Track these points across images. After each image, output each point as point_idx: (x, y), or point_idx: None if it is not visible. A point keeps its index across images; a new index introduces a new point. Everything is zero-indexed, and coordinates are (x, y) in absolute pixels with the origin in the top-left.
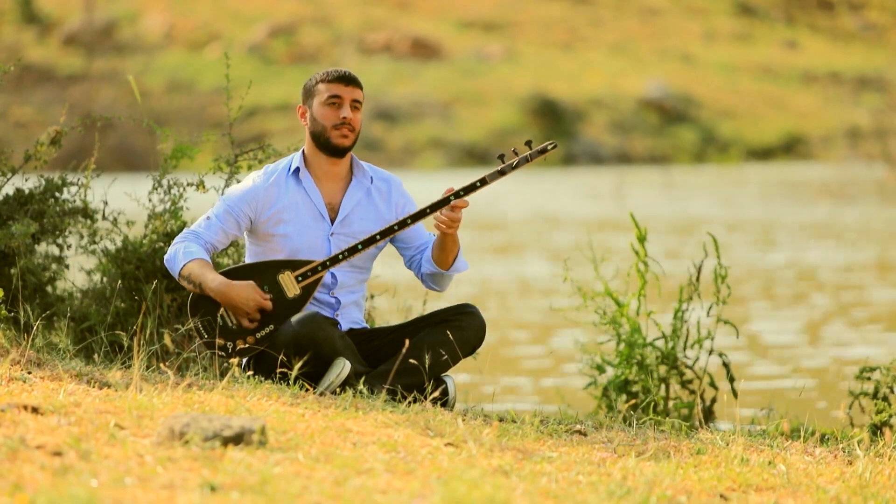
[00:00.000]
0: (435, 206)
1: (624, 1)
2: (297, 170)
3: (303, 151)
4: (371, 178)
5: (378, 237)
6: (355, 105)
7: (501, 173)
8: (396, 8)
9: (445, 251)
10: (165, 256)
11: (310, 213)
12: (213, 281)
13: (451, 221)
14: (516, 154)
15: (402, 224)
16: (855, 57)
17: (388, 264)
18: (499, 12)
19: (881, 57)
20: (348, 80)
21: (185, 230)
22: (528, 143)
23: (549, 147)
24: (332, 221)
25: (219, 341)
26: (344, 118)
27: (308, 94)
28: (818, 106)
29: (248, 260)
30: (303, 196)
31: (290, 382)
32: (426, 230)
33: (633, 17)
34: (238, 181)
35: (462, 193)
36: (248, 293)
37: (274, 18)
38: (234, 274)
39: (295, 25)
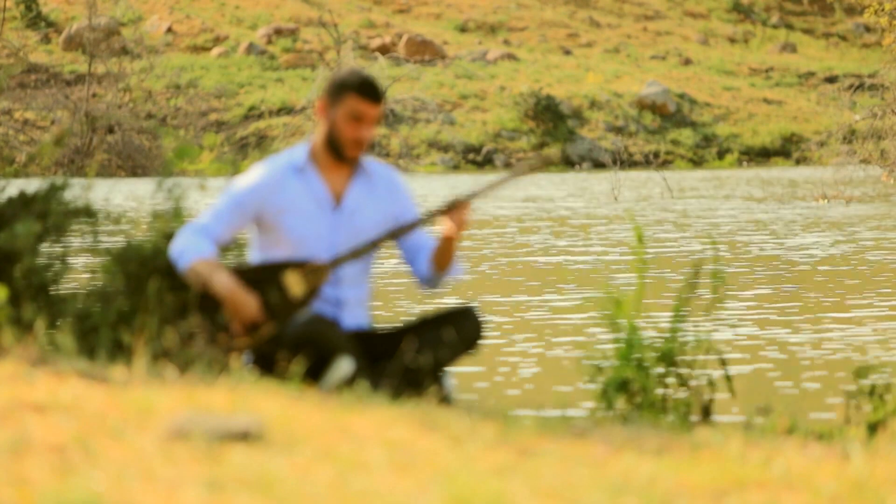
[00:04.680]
0: (442, 211)
1: (623, 4)
2: (303, 162)
3: (310, 142)
4: (374, 173)
5: (383, 238)
6: (375, 121)
7: (514, 176)
8: (397, 11)
9: (440, 255)
10: (172, 249)
11: (315, 203)
12: (222, 281)
13: (461, 223)
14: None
15: (407, 227)
16: (851, 60)
17: (388, 263)
18: (499, 15)
19: (877, 60)
20: (375, 97)
21: (191, 223)
22: (537, 151)
23: (553, 157)
24: (337, 210)
25: (222, 339)
26: (362, 136)
27: (335, 95)
28: (815, 108)
29: (253, 250)
30: (308, 187)
31: (292, 380)
32: (425, 230)
33: (631, 20)
34: None
35: (473, 194)
36: (252, 307)
37: (275, 21)
38: (238, 274)
39: (296, 28)
